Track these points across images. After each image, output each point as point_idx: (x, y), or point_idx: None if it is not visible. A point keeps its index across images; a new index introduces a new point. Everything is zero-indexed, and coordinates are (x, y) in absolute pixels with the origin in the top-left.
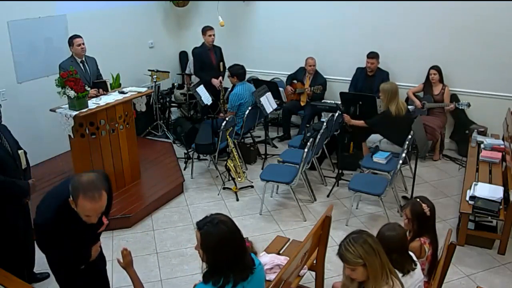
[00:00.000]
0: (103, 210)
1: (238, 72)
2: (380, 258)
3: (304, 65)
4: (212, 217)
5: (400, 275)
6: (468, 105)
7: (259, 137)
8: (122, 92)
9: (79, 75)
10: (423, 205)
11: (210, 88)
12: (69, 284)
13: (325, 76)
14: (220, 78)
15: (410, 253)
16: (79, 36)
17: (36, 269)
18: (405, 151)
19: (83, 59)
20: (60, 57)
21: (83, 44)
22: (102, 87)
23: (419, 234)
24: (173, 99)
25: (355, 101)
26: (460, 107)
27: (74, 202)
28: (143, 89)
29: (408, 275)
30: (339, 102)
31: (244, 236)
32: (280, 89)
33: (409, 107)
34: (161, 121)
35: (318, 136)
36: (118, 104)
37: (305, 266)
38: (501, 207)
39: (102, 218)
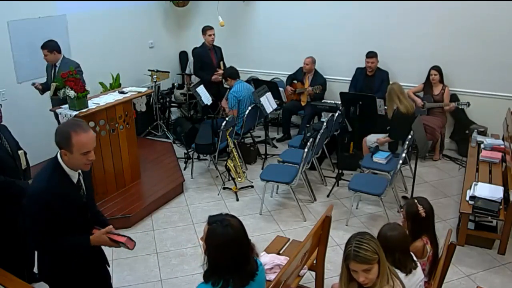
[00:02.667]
0: (95, 144)
1: (230, 72)
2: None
3: None
4: (223, 218)
5: (403, 274)
6: (468, 104)
7: (259, 137)
8: (122, 92)
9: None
10: (419, 206)
11: (210, 88)
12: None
13: (325, 76)
14: (219, 72)
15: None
16: (44, 47)
17: (36, 269)
18: (405, 151)
19: (56, 63)
20: None
21: (46, 56)
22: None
23: (416, 234)
24: (173, 99)
25: (355, 101)
26: (460, 107)
27: (68, 149)
28: (143, 89)
29: (410, 274)
30: (339, 102)
31: None
32: (280, 89)
33: None
34: (161, 121)
35: (318, 136)
36: (118, 104)
37: (305, 266)
38: (501, 207)
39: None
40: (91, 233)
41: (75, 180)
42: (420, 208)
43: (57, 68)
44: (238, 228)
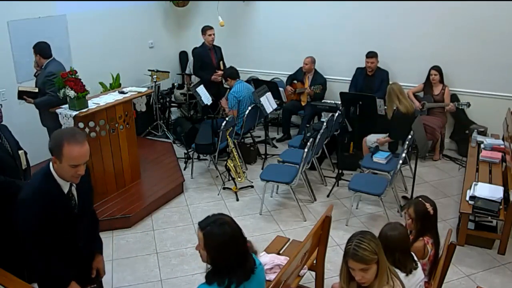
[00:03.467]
0: (87, 158)
1: (230, 72)
2: (384, 256)
3: None
4: (215, 218)
5: (403, 275)
6: (468, 104)
7: (259, 137)
8: (122, 92)
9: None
10: (426, 204)
11: (210, 88)
12: None
13: (325, 76)
14: (218, 72)
15: (411, 252)
16: (33, 47)
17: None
18: (405, 151)
19: (42, 66)
20: (60, 57)
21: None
22: (27, 95)
23: (422, 233)
24: (173, 99)
25: (355, 101)
26: (460, 107)
27: (58, 157)
28: (143, 89)
29: (411, 275)
30: (339, 102)
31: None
32: (280, 89)
33: None
34: (161, 121)
35: (318, 136)
36: (118, 104)
37: (305, 266)
38: (501, 207)
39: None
40: (82, 243)
41: (65, 190)
42: (428, 206)
43: (40, 72)
44: (233, 224)
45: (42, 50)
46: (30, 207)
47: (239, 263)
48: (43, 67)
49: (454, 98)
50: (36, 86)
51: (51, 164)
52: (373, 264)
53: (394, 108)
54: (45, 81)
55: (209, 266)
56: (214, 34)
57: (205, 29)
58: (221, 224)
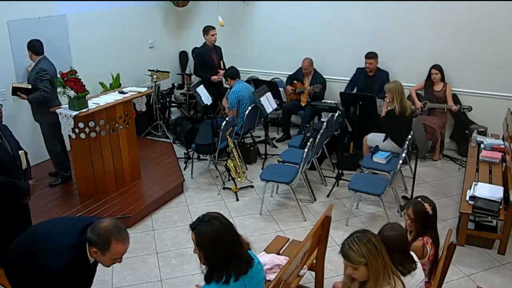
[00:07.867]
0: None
1: (230, 72)
2: (383, 258)
3: None
4: (203, 216)
5: (402, 276)
6: (470, 109)
7: (259, 137)
8: (122, 92)
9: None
10: (425, 204)
11: (211, 88)
12: None
13: (324, 76)
14: (221, 72)
15: (411, 253)
16: (27, 44)
17: None
18: (405, 151)
19: (34, 62)
20: (60, 57)
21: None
22: (21, 91)
23: (422, 233)
24: (173, 99)
25: (355, 101)
26: (462, 111)
27: (101, 251)
28: (143, 89)
29: (409, 275)
30: (339, 102)
31: (244, 236)
32: (280, 89)
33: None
34: (161, 121)
35: (318, 136)
36: (118, 104)
37: (305, 266)
38: (501, 207)
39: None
40: None
41: (91, 261)
42: (427, 206)
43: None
44: (221, 217)
45: (34, 47)
46: (58, 278)
47: (234, 256)
48: (34, 63)
49: (454, 98)
50: (28, 83)
51: (87, 248)
52: (360, 265)
53: (390, 108)
54: (37, 77)
55: (204, 267)
56: (216, 34)
57: (207, 29)
58: (209, 219)
